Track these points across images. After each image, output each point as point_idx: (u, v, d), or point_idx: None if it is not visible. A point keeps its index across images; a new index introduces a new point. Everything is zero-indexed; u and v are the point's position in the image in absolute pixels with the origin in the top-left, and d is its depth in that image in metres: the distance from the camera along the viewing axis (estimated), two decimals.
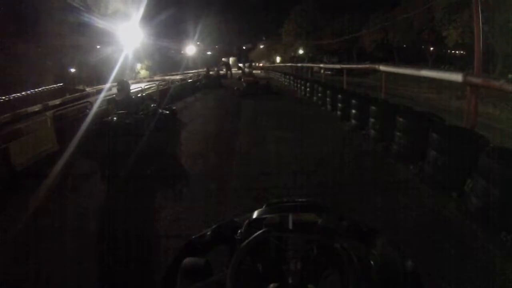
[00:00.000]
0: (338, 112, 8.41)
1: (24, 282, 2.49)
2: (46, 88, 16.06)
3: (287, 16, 42.35)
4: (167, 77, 20.52)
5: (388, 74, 8.28)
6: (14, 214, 3.59)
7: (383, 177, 4.34)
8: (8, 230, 3.19)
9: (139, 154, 4.96)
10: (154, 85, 13.28)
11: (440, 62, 27.10)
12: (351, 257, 0.64)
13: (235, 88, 14.45)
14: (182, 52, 44.58)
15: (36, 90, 15.02)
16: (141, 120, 5.55)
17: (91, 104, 7.34)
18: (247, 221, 0.82)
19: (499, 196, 2.74)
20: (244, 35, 56.90)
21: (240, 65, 19.31)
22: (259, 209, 0.88)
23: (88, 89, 17.24)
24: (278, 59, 48.32)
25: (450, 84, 11.56)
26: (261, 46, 56.31)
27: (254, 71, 16.33)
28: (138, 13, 25.71)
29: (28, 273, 2.56)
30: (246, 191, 3.88)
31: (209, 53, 53.99)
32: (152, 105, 6.71)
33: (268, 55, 52.93)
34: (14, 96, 12.65)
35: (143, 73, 37.31)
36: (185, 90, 15.49)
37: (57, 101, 10.32)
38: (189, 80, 18.43)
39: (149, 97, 8.80)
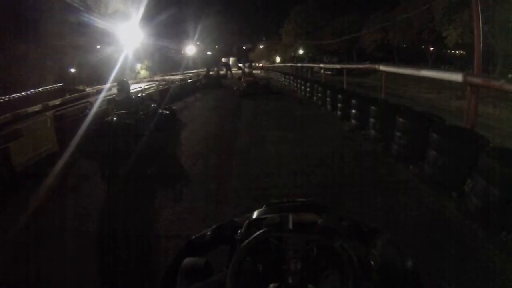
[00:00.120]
0: (338, 112, 8.42)
1: (24, 282, 2.49)
2: (46, 88, 16.04)
3: (287, 16, 42.40)
4: (167, 77, 20.52)
5: (388, 74, 8.28)
6: (14, 214, 3.59)
7: (383, 177, 4.34)
8: (8, 230, 3.19)
9: (139, 154, 4.97)
10: (154, 85, 13.29)
11: (440, 62, 27.11)
12: (351, 257, 0.64)
13: (235, 88, 14.44)
14: (182, 52, 44.63)
15: (36, 90, 15.01)
16: (141, 120, 5.55)
17: (91, 104, 7.34)
18: (247, 221, 0.82)
19: (499, 196, 2.74)
20: (244, 35, 56.97)
21: (240, 65, 19.29)
22: (259, 209, 0.88)
23: (88, 89, 17.22)
24: (278, 59, 48.34)
25: (450, 84, 11.57)
26: (261, 46, 56.35)
27: (254, 71, 16.32)
28: (138, 13, 25.78)
29: (28, 273, 2.56)
30: (246, 191, 3.89)
31: (209, 53, 54.03)
32: (152, 105, 6.72)
33: (268, 55, 52.95)
34: (14, 96, 12.63)
35: (143, 73, 37.30)
36: (185, 90, 15.49)
37: (57, 101, 10.32)
38: (189, 80, 18.43)
39: (149, 97, 8.81)
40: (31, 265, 2.64)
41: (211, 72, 21.88)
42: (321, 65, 17.97)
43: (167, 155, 5.87)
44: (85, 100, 8.54)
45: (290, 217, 0.80)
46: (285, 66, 31.65)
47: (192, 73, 25.17)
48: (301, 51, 40.71)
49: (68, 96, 13.17)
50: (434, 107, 9.99)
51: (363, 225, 0.83)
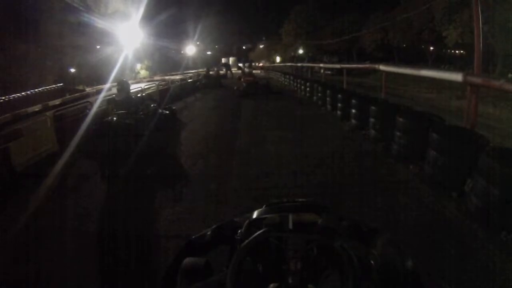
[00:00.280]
0: (338, 112, 8.41)
1: (24, 282, 2.49)
2: (46, 88, 16.03)
3: (287, 16, 42.40)
4: (167, 77, 20.52)
5: (388, 74, 8.27)
6: (14, 214, 3.59)
7: (383, 177, 4.34)
8: (8, 230, 3.19)
9: (139, 154, 4.97)
10: (154, 85, 13.29)
11: (440, 62, 27.13)
12: (351, 257, 0.64)
13: (235, 88, 14.44)
14: (182, 52, 44.64)
15: (36, 90, 15.00)
16: (141, 120, 5.55)
17: (91, 104, 7.34)
18: (247, 221, 0.82)
19: (499, 196, 2.74)
20: (244, 35, 56.98)
21: (240, 65, 19.29)
22: (259, 209, 0.88)
23: (88, 89, 17.21)
24: (278, 59, 48.33)
25: (450, 84, 11.57)
26: (261, 46, 56.34)
27: (254, 71, 16.32)
28: (138, 13, 25.76)
29: (28, 273, 2.56)
30: (246, 191, 3.89)
31: (209, 53, 54.03)
32: (152, 105, 6.71)
33: (268, 55, 52.95)
34: (14, 96, 12.63)
35: (143, 73, 37.29)
36: (185, 90, 15.49)
37: (57, 101, 10.30)
38: (189, 80, 18.43)
39: (149, 97, 8.81)
40: (31, 265, 2.64)
41: (211, 72, 21.88)
42: (321, 65, 17.97)
43: (167, 155, 5.87)
44: (85, 100, 8.54)
45: (290, 217, 0.80)
46: (285, 66, 31.65)
47: (192, 73, 25.17)
48: (301, 51, 40.70)
49: (68, 96, 13.15)
50: (434, 107, 9.99)
51: (363, 225, 0.83)
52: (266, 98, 12.74)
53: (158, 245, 2.88)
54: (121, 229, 3.13)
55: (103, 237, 3.06)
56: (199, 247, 0.87)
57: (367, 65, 11.39)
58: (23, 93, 13.57)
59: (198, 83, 18.78)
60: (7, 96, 12.29)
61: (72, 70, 25.71)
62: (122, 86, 5.65)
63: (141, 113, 5.80)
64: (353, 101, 7.14)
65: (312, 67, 21.80)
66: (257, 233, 0.71)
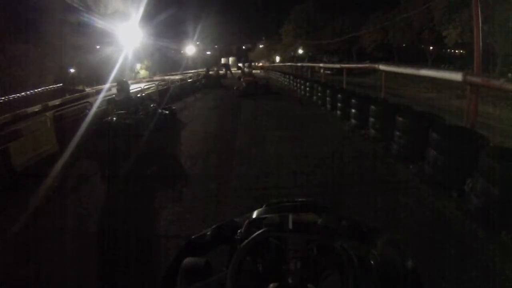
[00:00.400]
0: (338, 112, 8.42)
1: (24, 282, 2.49)
2: (45, 89, 16.04)
3: (287, 16, 42.39)
4: (166, 77, 20.53)
5: (388, 73, 8.28)
6: (14, 214, 3.59)
7: (383, 177, 4.34)
8: (8, 230, 3.18)
9: (139, 154, 4.97)
10: (153, 85, 13.28)
11: (440, 61, 27.15)
12: (351, 257, 0.64)
13: (235, 88, 14.45)
14: (181, 52, 44.63)
15: (36, 90, 15.01)
16: (141, 120, 5.55)
17: (91, 104, 7.34)
18: (247, 221, 0.82)
19: (499, 196, 2.74)
20: (244, 35, 57.00)
21: (240, 65, 19.29)
22: (259, 209, 0.88)
23: (87, 89, 17.22)
24: (277, 59, 48.32)
25: (450, 83, 11.59)
26: (261, 46, 56.35)
27: (253, 71, 16.32)
28: (137, 13, 25.75)
29: (28, 273, 2.56)
30: (246, 191, 3.89)
31: (208, 53, 54.06)
32: (151, 105, 6.71)
33: (267, 55, 52.95)
34: (14, 97, 12.63)
35: (143, 73, 37.28)
36: (184, 90, 15.49)
37: (57, 102, 10.30)
38: (189, 80, 18.43)
39: (149, 97, 8.81)
40: (31, 265, 2.64)
41: (210, 72, 21.89)
42: (321, 65, 17.98)
43: (167, 155, 5.87)
44: (84, 101, 8.54)
45: (290, 217, 0.80)
46: (285, 65, 31.67)
47: (191, 73, 25.17)
48: (301, 51, 40.69)
49: (67, 97, 13.16)
50: (434, 107, 9.98)
51: (363, 225, 0.83)
52: (266, 98, 12.74)
53: (158, 245, 2.88)
54: (121, 229, 3.13)
55: (103, 237, 3.05)
56: (199, 247, 0.87)
57: (367, 65, 11.39)
58: (23, 93, 13.58)
59: (197, 83, 18.79)
60: (7, 96, 12.29)
61: (72, 70, 25.70)
62: (122, 86, 5.65)
63: (141, 113, 5.80)
64: (353, 100, 7.14)
65: (312, 67, 21.80)
66: (257, 233, 0.71)
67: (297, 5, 41.28)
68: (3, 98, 11.92)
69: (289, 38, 42.16)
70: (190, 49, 44.95)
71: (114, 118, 5.14)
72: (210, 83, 19.29)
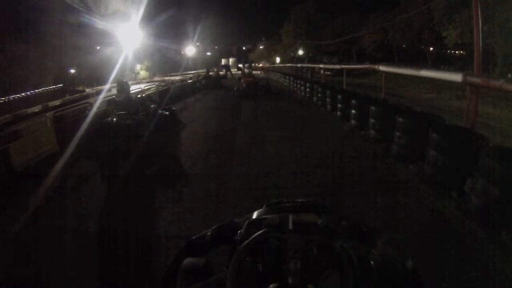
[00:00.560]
0: (338, 113, 8.42)
1: (24, 282, 2.49)
2: (46, 89, 16.04)
3: (287, 16, 42.39)
4: (166, 78, 20.56)
5: (388, 74, 8.28)
6: (14, 214, 3.59)
7: (383, 177, 4.34)
8: (8, 230, 3.18)
9: (139, 155, 4.98)
10: (153, 86, 13.29)
11: (440, 62, 27.12)
12: (351, 257, 0.64)
13: (235, 88, 14.45)
14: (182, 52, 44.66)
15: (36, 91, 15.01)
16: (141, 121, 5.55)
17: (91, 105, 7.34)
18: (247, 222, 0.82)
19: (499, 196, 2.74)
20: (244, 36, 57.03)
21: (240, 65, 19.31)
22: (259, 210, 0.88)
23: (87, 90, 17.23)
24: (278, 59, 48.33)
25: (450, 84, 11.59)
26: (261, 47, 56.36)
27: (253, 72, 16.33)
28: (138, 13, 25.77)
29: (28, 273, 2.56)
30: (246, 191, 3.89)
31: (208, 53, 54.10)
32: (152, 106, 6.71)
33: (268, 56, 52.95)
34: (14, 97, 12.64)
35: (143, 73, 37.29)
36: (185, 90, 15.50)
37: (57, 102, 10.31)
38: (189, 81, 18.44)
39: (149, 97, 8.80)
40: (31, 265, 2.64)
41: (211, 73, 21.90)
42: (321, 66, 17.99)
43: (167, 155, 5.87)
44: (85, 101, 8.55)
45: (290, 217, 0.80)
46: (285, 66, 31.69)
47: (192, 73, 25.18)
48: (301, 52, 40.69)
49: (68, 97, 13.16)
50: (434, 107, 9.99)
51: (363, 225, 0.83)
52: (266, 99, 12.75)
53: (158, 245, 2.88)
54: (121, 229, 3.13)
55: (103, 237, 3.06)
56: (199, 247, 0.87)
57: (367, 66, 11.39)
58: (23, 94, 13.58)
59: (198, 84, 18.79)
60: (7, 97, 12.29)
61: (72, 70, 25.71)
62: (122, 86, 5.65)
63: (141, 114, 5.80)
64: (353, 101, 7.14)
65: (312, 68, 21.81)
66: (257, 233, 0.71)
67: (297, 5, 41.31)
68: (3, 98, 11.92)
69: (289, 38, 42.15)
70: (190, 50, 44.99)
71: (114, 119, 5.14)
72: (210, 84, 19.30)
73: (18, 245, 3.01)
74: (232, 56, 56.81)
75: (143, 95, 8.57)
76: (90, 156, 5.33)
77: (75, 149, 5.64)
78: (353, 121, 7.08)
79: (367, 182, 4.14)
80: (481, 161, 3.06)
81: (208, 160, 5.27)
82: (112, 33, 25.08)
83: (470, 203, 3.14)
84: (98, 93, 12.72)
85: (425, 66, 23.41)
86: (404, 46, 31.93)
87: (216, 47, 56.18)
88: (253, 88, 13.81)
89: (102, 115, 6.80)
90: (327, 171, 4.53)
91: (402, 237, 2.62)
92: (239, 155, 5.48)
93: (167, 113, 8.00)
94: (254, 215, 0.86)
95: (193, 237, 0.89)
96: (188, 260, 0.77)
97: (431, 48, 29.07)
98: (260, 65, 44.74)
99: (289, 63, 32.96)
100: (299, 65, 25.83)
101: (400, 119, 4.77)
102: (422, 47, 29.61)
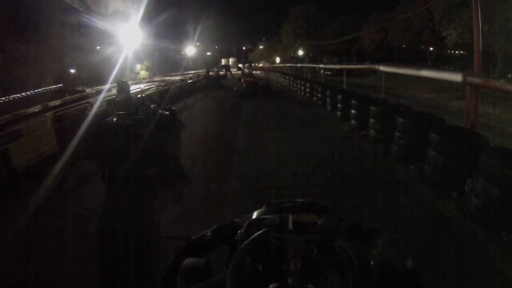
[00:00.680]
0: (338, 113, 8.42)
1: (24, 282, 2.49)
2: (46, 89, 16.04)
3: (287, 16, 42.38)
4: (166, 78, 20.55)
5: (388, 74, 8.29)
6: (14, 214, 3.59)
7: (383, 177, 4.34)
8: (8, 230, 3.19)
9: (139, 155, 4.97)
10: (153, 85, 13.29)
11: (440, 62, 27.11)
12: (351, 257, 0.64)
13: (235, 88, 14.46)
14: (182, 52, 44.62)
15: (36, 91, 15.01)
16: (141, 121, 5.55)
17: (91, 105, 7.34)
18: (247, 222, 0.82)
19: (499, 196, 2.74)
20: (244, 36, 57.06)
21: (240, 65, 19.31)
22: (259, 210, 0.88)
23: (87, 90, 17.22)
24: (277, 59, 48.34)
25: (450, 84, 11.59)
26: (261, 47, 56.37)
27: (253, 72, 16.34)
28: (138, 14, 25.75)
29: (28, 273, 2.56)
30: (246, 191, 3.89)
31: (208, 53, 54.08)
32: (152, 106, 6.72)
33: (267, 56, 52.96)
34: (14, 97, 12.63)
35: (143, 73, 37.27)
36: (185, 90, 15.50)
37: (57, 102, 10.31)
38: (189, 81, 18.45)
39: (149, 97, 8.82)
40: (31, 265, 2.64)
41: (211, 73, 21.91)
42: (321, 66, 17.99)
43: (167, 155, 5.87)
44: (85, 101, 8.55)
45: (290, 217, 0.80)
46: (285, 66, 31.71)
47: (192, 73, 25.18)
48: (301, 52, 40.69)
49: (68, 97, 13.15)
50: (434, 107, 10.00)
51: (363, 225, 0.83)
52: (266, 99, 12.76)
53: (158, 246, 2.88)
54: (121, 229, 3.13)
55: (103, 237, 3.05)
56: (199, 247, 0.87)
57: (367, 66, 11.41)
58: (23, 94, 13.57)
59: (198, 84, 18.80)
60: (7, 97, 12.29)
61: (72, 70, 25.70)
62: (122, 86, 5.65)
63: (141, 113, 5.80)
64: (353, 101, 7.14)
65: (313, 68, 21.82)
66: (257, 233, 0.71)
67: (297, 5, 41.31)
68: (3, 98, 11.91)
69: (289, 38, 42.14)
70: (190, 50, 44.97)
71: (114, 119, 5.14)
72: (210, 84, 19.30)
73: (18, 245, 3.01)
74: (232, 56, 56.83)
75: (143, 95, 8.59)
76: (90, 156, 5.33)
77: (75, 149, 5.64)
78: (353, 121, 7.09)
79: (367, 182, 4.14)
80: (481, 161, 3.06)
81: (208, 160, 5.27)
82: (112, 33, 25.08)
83: (470, 203, 3.14)
84: (98, 93, 12.71)
85: (425, 66, 23.41)
86: (404, 46, 31.92)
87: (216, 47, 56.19)
88: (253, 88, 13.82)
89: (102, 115, 6.80)
90: (327, 171, 4.53)
91: (402, 237, 2.63)
92: (239, 155, 5.48)
93: (167, 113, 8.01)
94: (254, 215, 0.86)
95: (193, 237, 0.89)
96: (188, 260, 0.77)
97: (431, 48, 29.07)
98: (260, 65, 44.77)
99: (289, 63, 32.97)
100: (299, 65, 25.84)
101: (400, 119, 4.77)
102: (422, 47, 29.60)
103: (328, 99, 9.62)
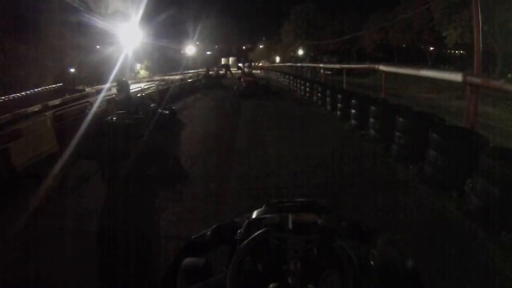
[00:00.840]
0: (338, 112, 8.42)
1: (24, 282, 2.49)
2: (46, 88, 16.03)
3: (287, 16, 42.37)
4: (166, 77, 20.55)
5: (388, 74, 8.29)
6: (14, 214, 3.59)
7: (383, 177, 4.34)
8: (8, 230, 3.18)
9: (139, 154, 4.97)
10: (153, 85, 13.29)
11: (440, 62, 27.11)
12: (351, 257, 0.64)
13: (235, 88, 14.46)
14: (181, 52, 44.59)
15: (36, 90, 14.99)
16: (141, 120, 5.55)
17: (91, 104, 7.34)
18: (246, 221, 0.82)
19: (499, 196, 2.74)
20: (244, 35, 57.10)
21: (240, 65, 19.31)
22: (259, 209, 0.88)
23: (87, 89, 17.20)
24: (277, 59, 48.34)
25: (450, 84, 11.59)
26: (261, 46, 56.41)
27: (253, 71, 16.34)
28: (138, 13, 25.74)
29: (28, 273, 2.56)
30: (246, 191, 3.89)
31: (208, 53, 54.05)
32: (151, 105, 6.72)
33: (267, 55, 52.98)
34: (14, 96, 12.62)
35: (143, 73, 37.26)
36: (184, 90, 15.50)
37: (57, 101, 10.29)
38: (189, 80, 18.45)
39: (149, 97, 8.82)
40: (31, 265, 2.64)
41: (210, 72, 21.91)
42: (321, 65, 17.99)
43: (167, 155, 5.87)
44: (84, 100, 8.54)
45: (290, 217, 0.80)
46: (285, 66, 31.72)
47: (191, 73, 25.18)
48: (301, 52, 40.69)
49: (67, 96, 13.14)
50: (434, 107, 9.99)
51: (363, 225, 0.83)
52: (266, 98, 12.76)
53: (158, 245, 2.88)
54: (121, 229, 3.13)
55: (103, 237, 3.05)
56: (199, 247, 0.87)
57: (367, 65, 11.41)
58: (23, 93, 13.56)
59: (197, 83, 18.81)
60: (7, 96, 12.28)
61: (72, 70, 25.69)
62: (122, 86, 5.65)
63: (141, 113, 5.80)
64: (353, 101, 7.14)
65: (313, 67, 21.81)
66: (257, 233, 0.71)
67: (297, 5, 41.31)
68: (3, 98, 11.90)
69: (289, 38, 42.15)
70: (190, 49, 44.95)
71: (114, 118, 5.14)
72: (210, 83, 19.31)
73: (18, 245, 3.01)
74: (232, 55, 56.81)
75: (143, 94, 8.59)
76: (90, 155, 5.33)
77: (75, 149, 5.64)
78: (353, 121, 7.08)
79: (367, 182, 4.14)
80: (481, 161, 3.06)
81: (208, 160, 5.27)
82: (112, 32, 25.06)
83: (470, 203, 3.14)
84: (98, 92, 12.69)
85: (425, 66, 23.41)
86: (404, 46, 31.91)
87: (216, 46, 56.17)
88: (253, 87, 13.82)
89: (102, 114, 6.80)
90: (327, 171, 4.53)
91: (402, 237, 2.63)
92: (239, 155, 5.48)
93: (167, 112, 8.01)
94: (254, 215, 0.86)
95: (193, 237, 0.89)
96: (188, 260, 0.76)
97: (431, 48, 29.05)
98: (260, 64, 44.74)
99: (289, 62, 32.97)
100: (298, 64, 25.84)
101: (400, 119, 4.77)
102: (422, 47, 29.60)
103: (328, 99, 9.61)
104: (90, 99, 8.38)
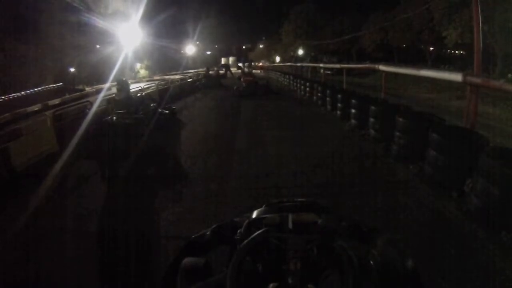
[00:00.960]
0: (338, 112, 8.42)
1: (24, 282, 2.49)
2: (45, 88, 16.02)
3: (287, 16, 42.37)
4: (166, 77, 20.54)
5: (388, 74, 8.29)
6: (14, 214, 3.59)
7: (383, 177, 4.34)
8: (8, 230, 3.18)
9: (139, 154, 4.97)
10: (153, 84, 13.28)
11: (440, 62, 27.12)
12: (351, 257, 0.64)
13: (235, 87, 14.46)
14: (181, 52, 44.57)
15: (36, 89, 14.99)
16: (140, 120, 5.55)
17: (91, 103, 7.33)
18: (246, 221, 0.82)
19: (499, 196, 2.74)
20: (244, 35, 57.12)
21: (240, 65, 19.32)
22: (259, 209, 0.88)
23: (87, 89, 17.20)
24: (277, 59, 48.34)
25: (450, 84, 11.60)
26: (261, 46, 56.41)
27: (253, 71, 16.34)
28: (137, 13, 25.72)
29: (28, 273, 2.56)
30: (246, 191, 3.89)
31: (208, 52, 54.05)
32: (151, 105, 6.72)
33: (267, 55, 52.98)
34: (13, 96, 12.61)
35: (143, 72, 37.25)
36: (184, 89, 15.50)
37: (56, 101, 10.30)
38: (189, 80, 18.45)
39: (149, 96, 8.82)
40: (31, 265, 2.64)
41: (210, 72, 21.91)
42: (321, 65, 17.98)
43: (167, 155, 5.87)
44: (84, 100, 8.54)
45: (290, 217, 0.80)
46: (285, 65, 31.73)
47: (191, 72, 25.18)
48: (301, 51, 40.69)
49: (67, 96, 13.13)
50: (434, 107, 9.99)
51: (363, 225, 0.83)
52: (266, 98, 12.76)
53: (158, 245, 2.88)
54: (121, 229, 3.13)
55: (103, 237, 3.05)
56: (199, 247, 0.87)
57: (367, 65, 11.40)
58: (23, 93, 13.55)
59: (197, 83, 18.81)
60: (7, 96, 12.27)
61: (72, 69, 25.69)
62: (122, 85, 5.64)
63: (141, 112, 5.80)
64: (353, 101, 7.14)
65: (313, 67, 21.81)
66: (257, 233, 0.71)
67: (297, 5, 41.31)
68: (3, 97, 11.90)
69: (289, 38, 42.14)
70: (190, 49, 44.92)
71: (114, 118, 5.14)
72: (210, 83, 19.31)
73: (18, 245, 3.01)
74: (232, 55, 56.82)
75: (143, 94, 8.58)
76: (90, 155, 5.33)
77: (75, 148, 5.63)
78: (353, 121, 7.08)
79: (367, 182, 4.14)
80: (481, 161, 3.06)
81: (208, 160, 5.27)
82: (112, 32, 25.04)
83: (470, 203, 3.14)
84: (98, 92, 12.69)
85: (425, 66, 23.41)
86: (404, 46, 31.91)
87: (216, 46, 56.17)
88: (253, 87, 13.82)
89: (102, 114, 6.80)
90: (327, 170, 4.53)
91: (402, 237, 2.63)
92: (239, 155, 5.48)
93: (167, 112, 8.01)
94: (254, 215, 0.85)
95: (193, 237, 0.89)
96: (188, 260, 0.76)
97: (431, 48, 29.05)
98: (260, 64, 44.75)
99: (289, 62, 32.97)
100: (298, 64, 25.84)
101: (400, 119, 4.77)
102: (422, 47, 29.59)
103: (328, 99, 9.61)
104: (90, 99, 8.37)
